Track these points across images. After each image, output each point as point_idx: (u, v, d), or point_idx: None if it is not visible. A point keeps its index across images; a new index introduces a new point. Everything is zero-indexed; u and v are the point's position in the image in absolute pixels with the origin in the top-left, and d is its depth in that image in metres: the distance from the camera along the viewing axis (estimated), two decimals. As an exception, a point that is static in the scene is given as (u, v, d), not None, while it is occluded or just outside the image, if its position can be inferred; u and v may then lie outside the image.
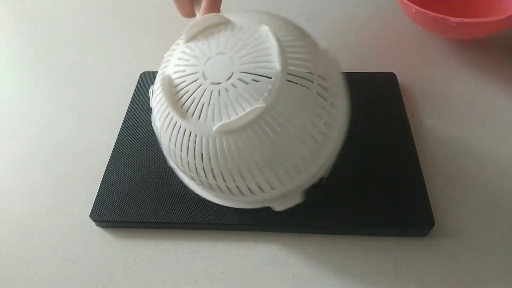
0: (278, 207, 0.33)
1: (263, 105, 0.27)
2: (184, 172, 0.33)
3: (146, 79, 0.48)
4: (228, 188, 0.31)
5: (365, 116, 0.42)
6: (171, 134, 0.30)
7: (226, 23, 0.31)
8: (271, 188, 0.31)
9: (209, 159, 0.29)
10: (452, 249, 0.34)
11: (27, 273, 0.35)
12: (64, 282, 0.34)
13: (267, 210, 0.35)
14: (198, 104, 0.28)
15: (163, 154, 0.40)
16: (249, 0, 0.61)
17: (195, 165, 0.30)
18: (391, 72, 0.46)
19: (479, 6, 0.51)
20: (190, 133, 0.29)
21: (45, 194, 0.40)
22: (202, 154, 0.29)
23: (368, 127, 0.41)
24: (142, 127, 0.43)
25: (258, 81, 0.28)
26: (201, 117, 0.28)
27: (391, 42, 0.53)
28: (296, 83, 0.28)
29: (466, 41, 0.51)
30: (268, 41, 0.29)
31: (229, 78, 0.28)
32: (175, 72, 0.30)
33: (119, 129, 0.43)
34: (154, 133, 0.42)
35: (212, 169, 0.30)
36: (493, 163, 0.39)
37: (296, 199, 0.32)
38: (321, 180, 0.35)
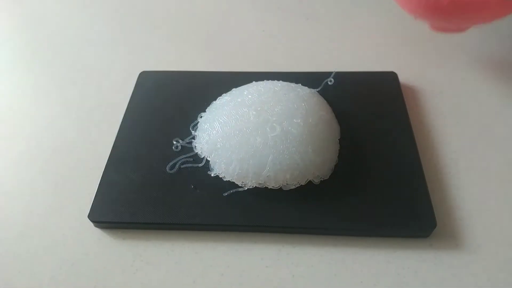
0: None
1: None
2: None
3: (145, 79, 0.48)
4: None
5: (366, 115, 0.42)
6: None
7: None
8: None
9: None
10: (454, 250, 0.34)
11: (26, 273, 0.34)
12: (62, 283, 0.34)
13: (267, 211, 0.35)
14: None
15: (162, 154, 0.40)
16: (250, 0, 0.61)
17: None
18: (392, 71, 0.46)
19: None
20: None
21: (43, 195, 0.39)
22: None
23: (369, 127, 0.41)
24: (141, 127, 0.43)
25: None
26: None
27: (392, 41, 0.53)
28: None
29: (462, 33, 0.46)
30: None
31: None
32: None
33: (117, 129, 0.43)
34: (153, 133, 0.42)
35: None
36: (495, 163, 0.39)
37: None
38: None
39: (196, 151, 0.40)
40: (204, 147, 0.39)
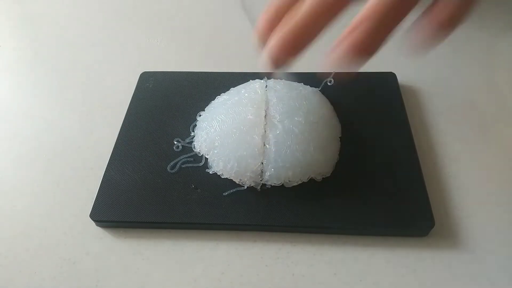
0: None
1: None
2: None
3: (146, 79, 0.48)
4: None
5: (366, 116, 0.42)
6: None
7: None
8: None
9: None
10: (452, 249, 0.34)
11: (27, 273, 0.35)
12: (64, 282, 0.34)
13: (267, 210, 0.35)
14: None
15: (163, 154, 0.40)
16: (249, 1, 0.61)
17: None
18: (391, 72, 0.46)
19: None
20: None
21: (45, 194, 0.40)
22: None
23: (368, 127, 0.41)
24: (142, 127, 0.43)
25: None
26: None
27: (391, 41, 0.53)
28: None
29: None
30: None
31: None
32: None
33: (119, 129, 0.43)
34: (154, 133, 0.42)
35: None
36: (493, 163, 0.39)
37: None
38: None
39: (195, 150, 0.40)
40: (202, 145, 0.39)
